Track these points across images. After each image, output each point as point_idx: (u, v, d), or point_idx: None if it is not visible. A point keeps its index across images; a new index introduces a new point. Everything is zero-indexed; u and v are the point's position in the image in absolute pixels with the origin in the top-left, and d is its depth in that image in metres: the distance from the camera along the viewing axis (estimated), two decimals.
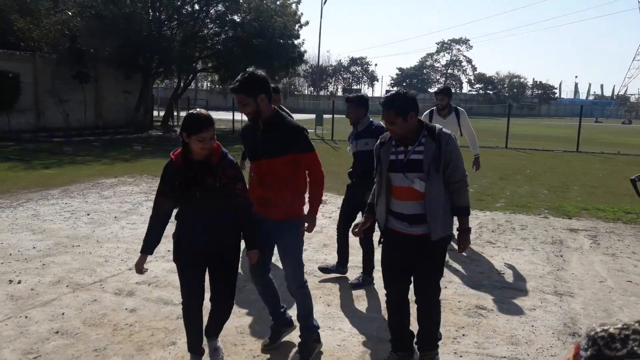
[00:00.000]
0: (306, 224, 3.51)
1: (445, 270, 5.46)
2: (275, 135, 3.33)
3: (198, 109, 3.00)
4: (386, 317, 4.25)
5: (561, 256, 6.05)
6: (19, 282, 4.73)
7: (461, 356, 3.64)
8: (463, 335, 3.98)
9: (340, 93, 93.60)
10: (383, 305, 4.51)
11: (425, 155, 3.11)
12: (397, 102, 3.11)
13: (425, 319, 3.38)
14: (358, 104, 4.84)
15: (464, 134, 6.48)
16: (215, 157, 3.04)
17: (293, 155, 3.34)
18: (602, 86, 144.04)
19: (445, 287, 4.98)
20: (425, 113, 6.48)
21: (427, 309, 3.35)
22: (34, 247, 5.79)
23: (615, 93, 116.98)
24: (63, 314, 4.09)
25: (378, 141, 3.38)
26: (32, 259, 5.39)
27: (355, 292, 4.78)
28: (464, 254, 5.11)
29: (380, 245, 3.46)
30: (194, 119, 2.93)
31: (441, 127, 3.24)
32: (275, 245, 3.54)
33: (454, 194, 3.23)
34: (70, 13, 21.49)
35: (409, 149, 3.17)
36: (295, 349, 3.62)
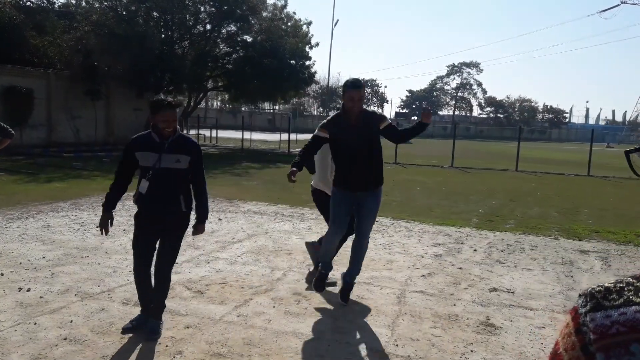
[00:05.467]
0: None
1: (454, 288, 5.44)
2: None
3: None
4: (394, 330, 4.22)
5: (571, 276, 6.00)
6: (28, 289, 4.74)
7: None
8: (471, 351, 3.93)
9: None
10: (391, 320, 4.49)
11: None
12: None
13: None
14: None
15: None
16: None
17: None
18: (613, 112, 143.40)
19: (454, 305, 4.93)
20: None
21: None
22: (43, 257, 5.82)
23: (627, 118, 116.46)
24: (71, 321, 4.09)
25: None
26: (41, 268, 5.41)
27: (362, 307, 4.75)
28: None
29: None
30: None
31: None
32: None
33: None
34: (85, 29, 21.84)
35: None
36: None
